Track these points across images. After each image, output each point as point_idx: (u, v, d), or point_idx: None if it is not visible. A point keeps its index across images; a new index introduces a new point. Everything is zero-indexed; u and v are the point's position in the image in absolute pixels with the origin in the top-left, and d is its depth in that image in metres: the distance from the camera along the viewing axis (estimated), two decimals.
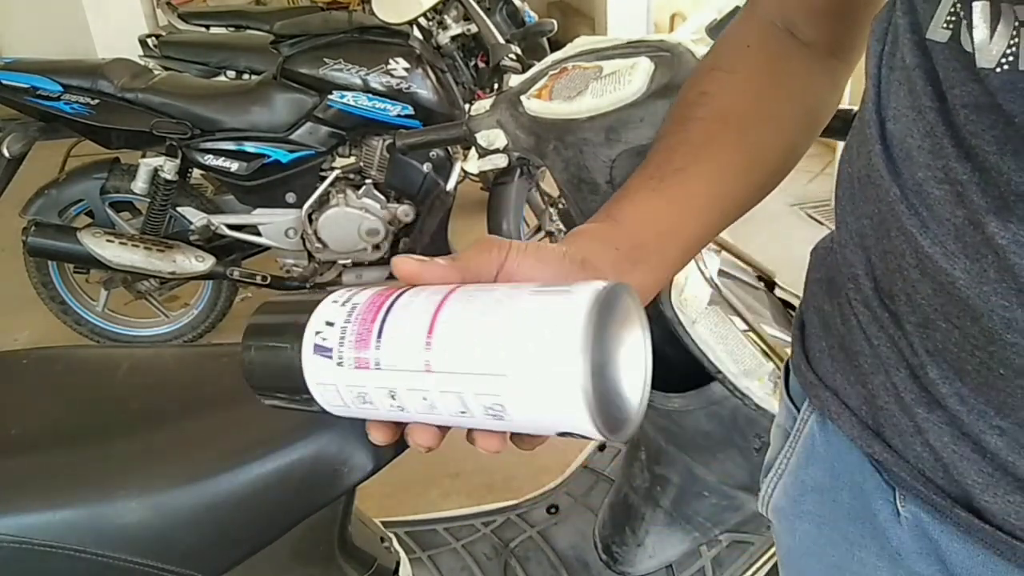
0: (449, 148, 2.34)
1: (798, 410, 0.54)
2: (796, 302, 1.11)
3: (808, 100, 0.57)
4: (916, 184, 0.40)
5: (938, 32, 0.38)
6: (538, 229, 2.62)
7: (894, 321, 0.44)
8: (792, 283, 1.12)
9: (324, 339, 0.38)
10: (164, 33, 3.72)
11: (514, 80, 0.98)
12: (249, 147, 2.26)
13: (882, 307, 0.44)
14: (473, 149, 0.96)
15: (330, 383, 0.38)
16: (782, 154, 0.56)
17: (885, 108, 0.43)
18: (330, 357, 0.38)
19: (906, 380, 0.43)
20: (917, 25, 0.40)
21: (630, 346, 0.36)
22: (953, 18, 0.37)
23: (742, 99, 0.54)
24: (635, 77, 0.83)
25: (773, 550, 1.12)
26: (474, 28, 2.47)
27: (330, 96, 2.24)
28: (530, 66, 1.03)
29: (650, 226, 0.49)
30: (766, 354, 0.96)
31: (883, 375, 0.45)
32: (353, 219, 2.34)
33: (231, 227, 2.38)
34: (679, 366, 0.97)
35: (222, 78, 3.17)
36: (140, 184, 2.30)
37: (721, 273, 0.98)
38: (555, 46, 1.17)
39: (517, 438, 0.40)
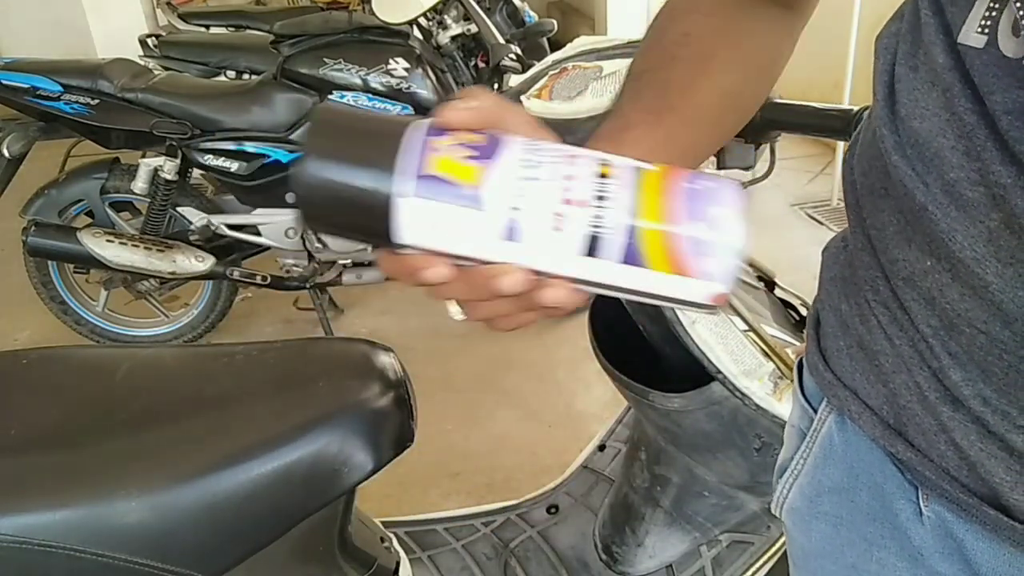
0: None
1: (814, 410, 0.54)
2: (796, 302, 1.11)
3: (770, 51, 0.58)
4: (947, 185, 0.39)
5: (971, 37, 0.37)
6: None
7: (913, 324, 0.43)
8: (792, 283, 1.12)
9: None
10: (164, 33, 3.72)
11: (514, 80, 0.98)
12: (249, 147, 2.26)
13: (901, 310, 0.44)
14: None
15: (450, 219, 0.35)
16: (749, 101, 0.58)
17: (906, 107, 0.42)
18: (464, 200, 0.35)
19: (929, 379, 0.43)
20: (947, 27, 0.39)
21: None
22: (989, 23, 0.36)
23: (720, 44, 0.55)
24: None
25: (773, 550, 1.12)
26: (474, 28, 2.46)
27: (330, 96, 2.24)
28: (530, 66, 1.03)
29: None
30: (766, 354, 0.96)
31: (905, 373, 0.44)
32: None
33: (231, 227, 2.38)
34: (679, 366, 0.97)
35: (222, 78, 3.17)
36: (140, 184, 2.30)
37: None
38: (555, 46, 1.17)
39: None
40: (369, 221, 0.36)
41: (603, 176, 0.36)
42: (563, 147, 0.37)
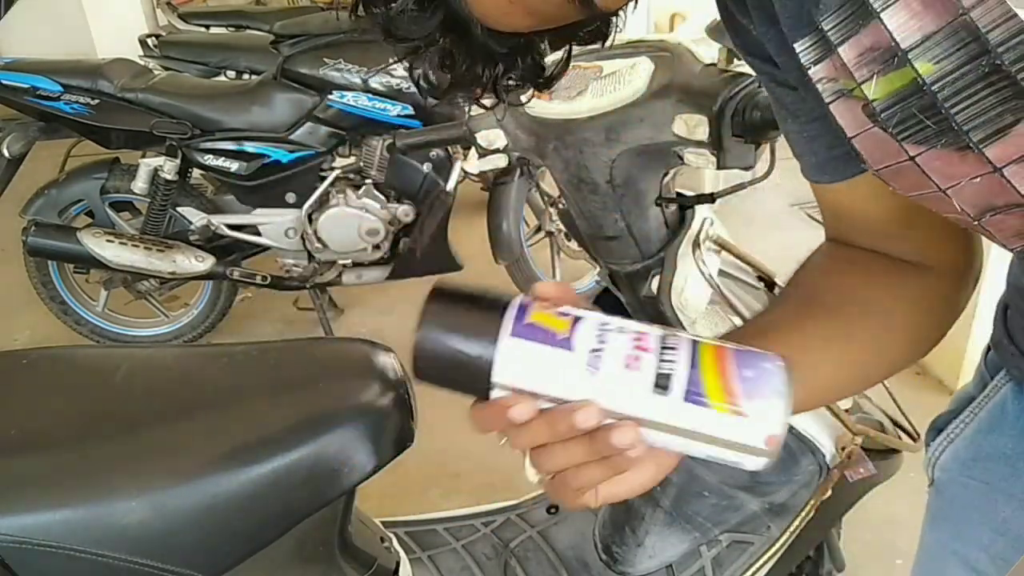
0: (449, 148, 2.33)
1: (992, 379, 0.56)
2: None
3: (899, 323, 0.56)
4: None
5: None
6: (538, 229, 2.62)
7: None
8: None
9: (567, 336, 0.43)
10: (164, 33, 3.72)
11: None
12: (249, 147, 2.26)
13: None
14: (473, 149, 0.96)
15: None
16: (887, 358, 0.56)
17: None
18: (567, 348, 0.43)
19: None
20: None
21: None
22: None
23: (852, 290, 0.55)
24: (635, 77, 0.83)
25: (773, 550, 1.12)
26: None
27: (330, 96, 2.24)
28: None
29: None
30: None
31: None
32: (353, 219, 2.33)
33: (231, 227, 2.38)
34: None
35: (222, 78, 3.16)
36: (140, 184, 2.30)
37: (721, 273, 0.98)
38: None
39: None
40: (471, 377, 0.44)
41: (667, 338, 0.43)
42: (631, 322, 0.45)
